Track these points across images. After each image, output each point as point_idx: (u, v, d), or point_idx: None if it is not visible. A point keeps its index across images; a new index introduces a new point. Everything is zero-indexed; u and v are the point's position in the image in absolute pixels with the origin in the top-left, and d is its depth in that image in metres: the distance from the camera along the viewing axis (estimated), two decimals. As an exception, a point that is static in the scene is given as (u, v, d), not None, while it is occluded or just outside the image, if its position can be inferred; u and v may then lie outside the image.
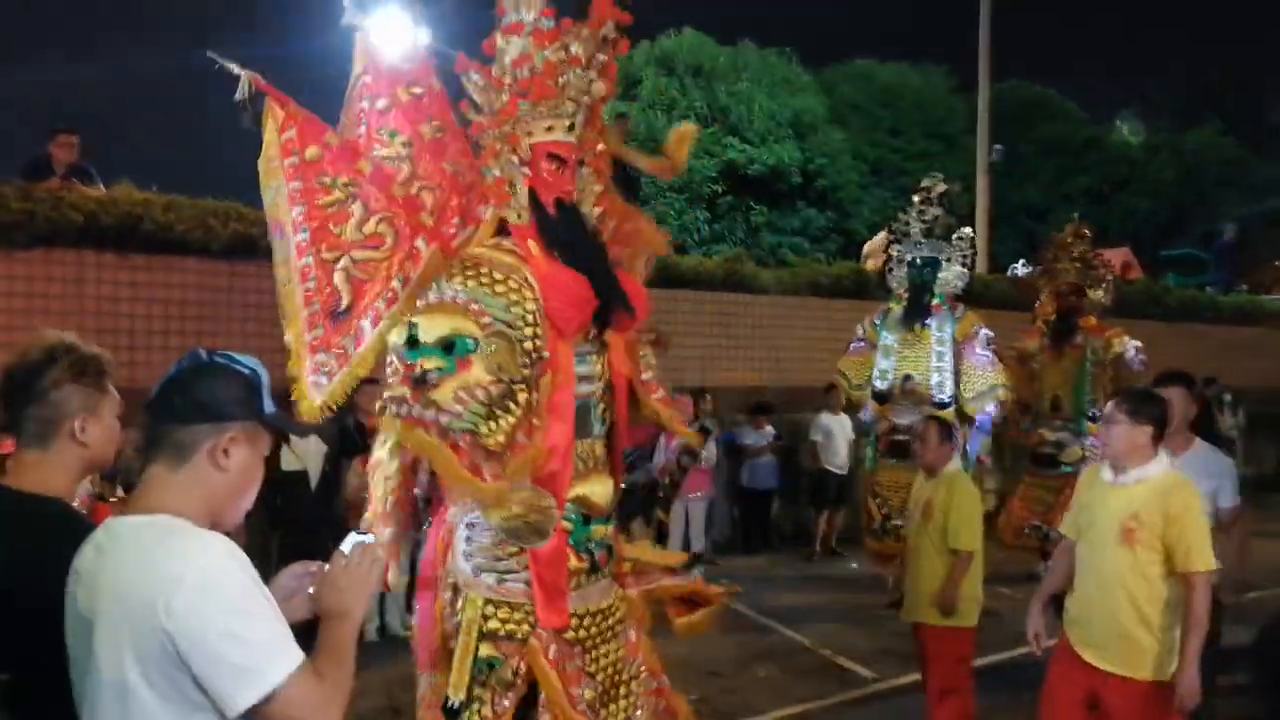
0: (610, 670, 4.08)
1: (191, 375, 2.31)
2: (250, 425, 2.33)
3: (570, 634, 3.96)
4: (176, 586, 2.02)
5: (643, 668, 4.22)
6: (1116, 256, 19.35)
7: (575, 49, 3.96)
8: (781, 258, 20.42)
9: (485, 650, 3.84)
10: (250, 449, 2.33)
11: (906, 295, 9.60)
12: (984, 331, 9.39)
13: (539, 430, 3.84)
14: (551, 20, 3.98)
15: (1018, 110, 30.96)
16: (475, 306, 3.76)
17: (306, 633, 2.32)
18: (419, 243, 4.20)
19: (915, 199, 9.80)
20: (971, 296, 10.08)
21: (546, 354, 3.87)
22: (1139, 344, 10.37)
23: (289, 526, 8.07)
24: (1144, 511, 4.45)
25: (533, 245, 4.00)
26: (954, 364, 9.22)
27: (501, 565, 3.91)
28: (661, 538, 11.45)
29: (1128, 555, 4.46)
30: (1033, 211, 31.13)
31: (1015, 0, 27.67)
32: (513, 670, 3.85)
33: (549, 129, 4.01)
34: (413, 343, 3.65)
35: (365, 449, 4.54)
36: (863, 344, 9.97)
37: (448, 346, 3.66)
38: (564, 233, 4.03)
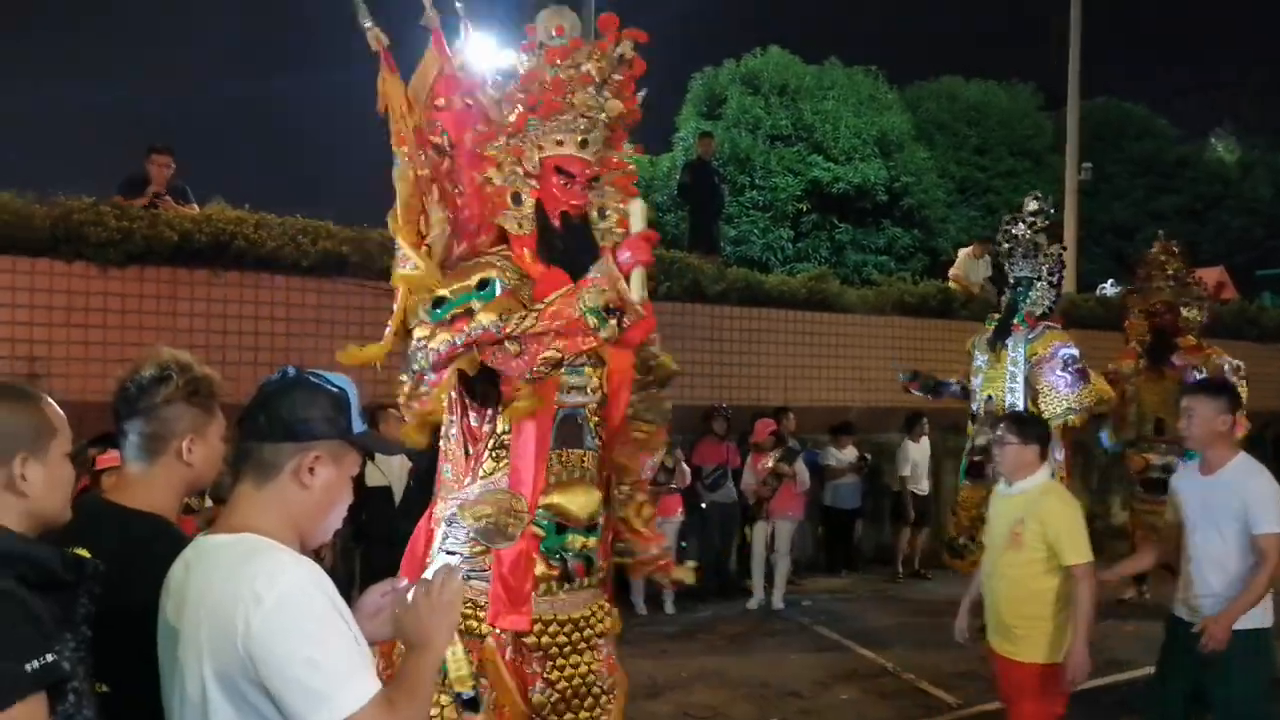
0: (577, 681, 4.03)
1: (278, 393, 2.30)
2: (336, 444, 2.31)
3: (532, 639, 3.94)
4: (256, 606, 2.02)
5: (614, 683, 4.17)
6: (1211, 276, 18.93)
7: (586, 67, 3.97)
8: (866, 276, 20.28)
9: None
10: (336, 468, 2.31)
11: (999, 315, 9.43)
12: (1064, 351, 8.77)
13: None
14: (563, 38, 4.01)
15: (1106, 128, 30.52)
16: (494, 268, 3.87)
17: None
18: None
19: (1023, 218, 9.52)
20: (1061, 316, 9.83)
21: None
22: (1238, 363, 10.09)
23: (372, 542, 8.14)
24: (1026, 516, 5.07)
25: (527, 254, 4.04)
26: (1027, 384, 8.92)
27: (471, 564, 3.92)
28: (744, 556, 11.44)
29: (1015, 555, 5.09)
30: (1121, 230, 30.67)
31: (1105, 17, 27.37)
32: (469, 664, 3.87)
33: (559, 143, 4.04)
34: (439, 302, 3.77)
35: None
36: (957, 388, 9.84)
37: (481, 284, 3.78)
38: (563, 245, 4.07)
